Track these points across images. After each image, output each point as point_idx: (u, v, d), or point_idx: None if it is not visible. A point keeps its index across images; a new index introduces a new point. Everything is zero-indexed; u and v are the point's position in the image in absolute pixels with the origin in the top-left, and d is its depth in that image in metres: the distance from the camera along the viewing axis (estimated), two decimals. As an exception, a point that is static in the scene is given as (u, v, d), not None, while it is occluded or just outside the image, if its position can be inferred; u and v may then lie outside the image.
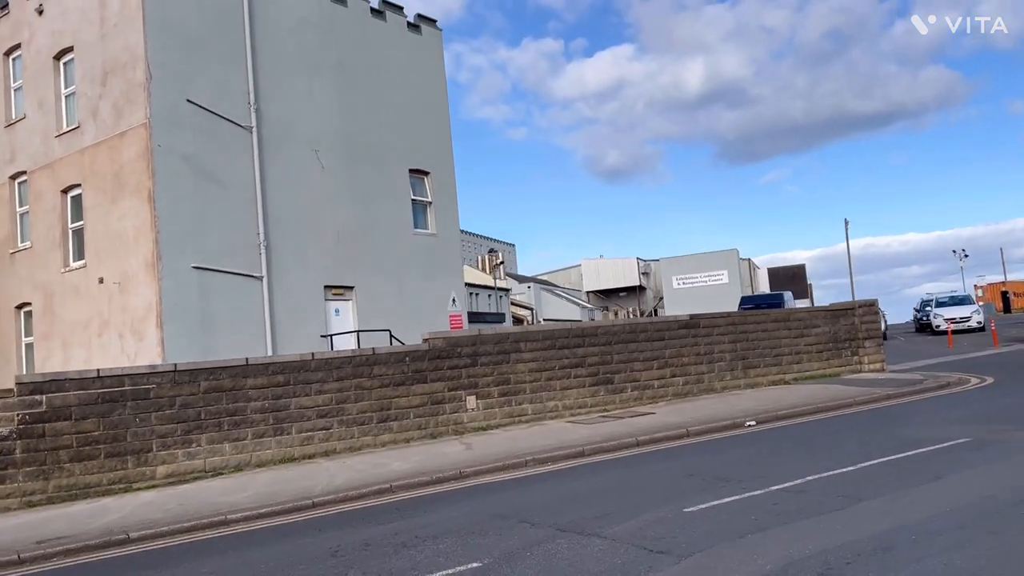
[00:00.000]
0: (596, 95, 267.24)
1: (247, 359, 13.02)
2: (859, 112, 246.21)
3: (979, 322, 33.39)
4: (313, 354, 13.63)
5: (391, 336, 20.91)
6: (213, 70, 19.52)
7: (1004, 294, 72.89)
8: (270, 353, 19.22)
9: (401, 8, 25.29)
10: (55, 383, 11.51)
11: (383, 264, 23.14)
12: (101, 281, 19.12)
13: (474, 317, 38.55)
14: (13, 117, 21.97)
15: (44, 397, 11.35)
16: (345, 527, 8.45)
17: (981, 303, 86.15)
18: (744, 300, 36.79)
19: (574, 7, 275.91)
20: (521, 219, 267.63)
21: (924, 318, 37.33)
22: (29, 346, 21.33)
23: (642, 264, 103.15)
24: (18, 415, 11.20)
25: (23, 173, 21.54)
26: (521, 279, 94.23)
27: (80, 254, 20.01)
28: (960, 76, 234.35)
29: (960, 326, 33.59)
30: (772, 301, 36.02)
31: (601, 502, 8.33)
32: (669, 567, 5.88)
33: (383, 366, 14.05)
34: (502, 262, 63.74)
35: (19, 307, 21.59)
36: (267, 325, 19.78)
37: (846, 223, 74.26)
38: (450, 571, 6.32)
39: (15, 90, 22.13)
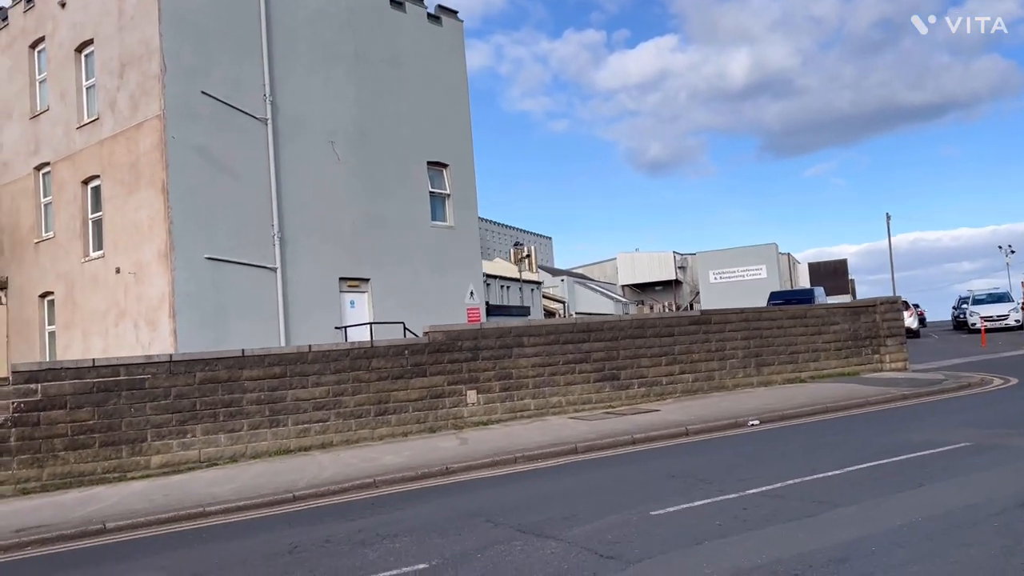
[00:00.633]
0: (638, 86, 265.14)
1: (243, 350, 13.04)
2: (909, 103, 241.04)
3: (1017, 320, 32.34)
4: (310, 346, 13.60)
5: (405, 328, 20.85)
6: (228, 62, 19.60)
7: (1053, 291, 70.57)
8: (283, 344, 19.32)
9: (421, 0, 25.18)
10: (51, 372, 11.63)
11: (399, 256, 23.10)
12: (118, 271, 19.35)
13: (498, 310, 38.54)
14: (38, 109, 22.33)
15: (39, 386, 11.48)
16: (315, 523, 8.37)
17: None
18: (773, 296, 36.12)
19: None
20: (560, 212, 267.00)
21: (961, 315, 36.29)
22: (52, 334, 21.72)
23: (679, 258, 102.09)
24: (13, 403, 11.34)
25: (47, 164, 21.89)
26: (555, 272, 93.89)
27: (99, 244, 20.29)
28: (1015, 65, 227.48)
29: (997, 324, 32.56)
30: (802, 297, 35.34)
31: (572, 503, 8.14)
32: (613, 574, 5.67)
33: (382, 359, 13.98)
34: (528, 255, 63.49)
35: (43, 296, 21.98)
36: (281, 316, 19.86)
37: (887, 217, 72.45)
38: (395, 572, 6.19)
39: (40, 82, 22.49)
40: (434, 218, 24.82)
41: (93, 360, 12.04)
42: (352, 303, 22.26)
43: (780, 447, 10.92)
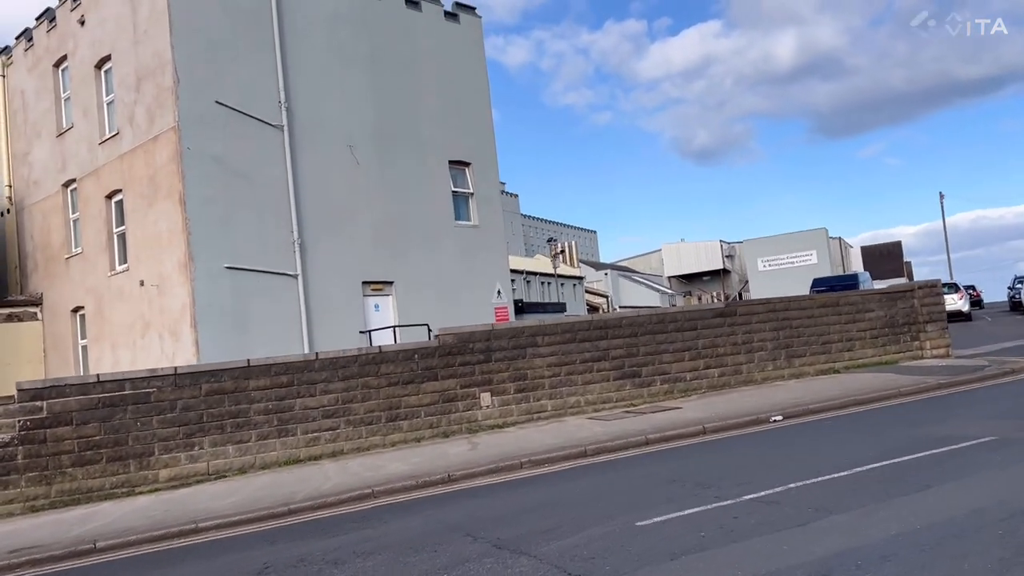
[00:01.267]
0: (682, 74, 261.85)
1: (248, 360, 12.93)
2: (965, 78, 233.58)
3: (1075, 299, 30.81)
4: (317, 354, 13.45)
5: (429, 331, 20.62)
6: (241, 71, 19.60)
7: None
8: (307, 350, 19.26)
9: (438, -2, 24.94)
10: (55, 389, 11.65)
11: (423, 258, 22.91)
12: (142, 284, 19.51)
13: (533, 307, 38.13)
14: (64, 127, 22.68)
15: (44, 403, 11.51)
16: (297, 539, 8.15)
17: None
18: (816, 283, 35.10)
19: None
20: (605, 205, 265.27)
21: (1016, 296, 34.78)
22: (84, 348, 22.04)
23: (726, 247, 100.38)
24: (19, 421, 11.38)
25: (73, 181, 22.22)
26: (599, 266, 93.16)
27: (124, 258, 20.50)
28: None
29: (1052, 304, 31.14)
30: (847, 283, 34.28)
31: (560, 513, 7.78)
32: (574, 595, 5.32)
33: (391, 364, 13.75)
34: (563, 251, 62.94)
35: (75, 310, 22.33)
36: (303, 323, 19.82)
37: (941, 197, 69.95)
38: (354, 594, 5.91)
39: (65, 100, 22.84)
40: (458, 218, 24.58)
41: (98, 375, 12.03)
42: (376, 306, 22.14)
43: (795, 446, 10.38)
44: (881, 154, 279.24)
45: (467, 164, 24.99)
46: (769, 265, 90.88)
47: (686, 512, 7.13)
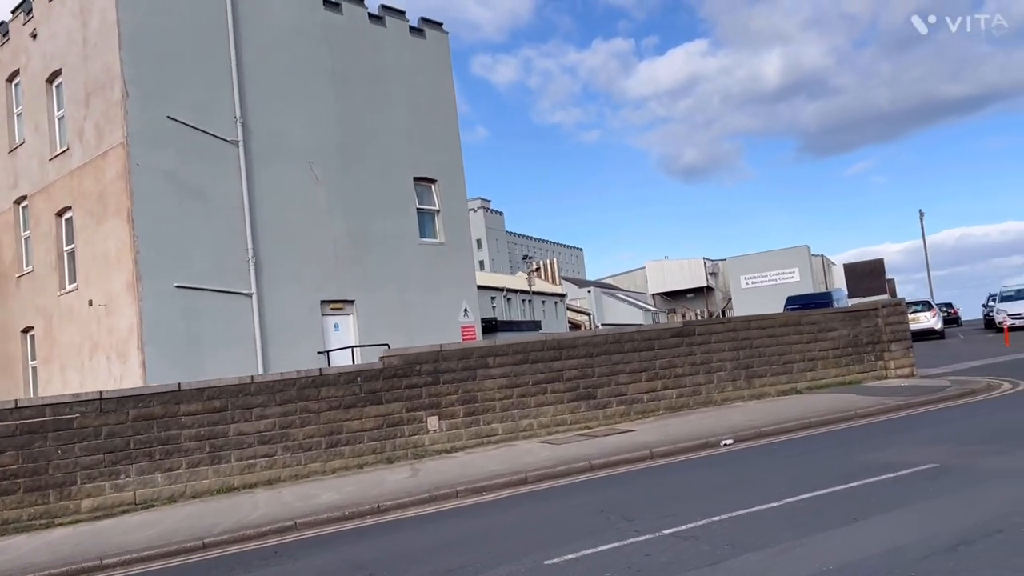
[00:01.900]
0: (670, 93, 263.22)
1: (179, 384, 12.44)
2: (949, 97, 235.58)
3: (1048, 316, 30.55)
4: (252, 377, 12.95)
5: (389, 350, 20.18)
6: (196, 86, 19.20)
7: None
8: (262, 371, 18.79)
9: (403, 12, 24.66)
10: (-29, 415, 11.13)
11: (386, 276, 22.50)
12: (90, 304, 19.00)
13: (507, 326, 37.71)
14: (16, 142, 22.20)
15: (-41, 430, 10.98)
16: (197, 577, 7.67)
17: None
18: (789, 300, 34.87)
19: (644, 5, 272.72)
20: (593, 223, 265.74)
21: (990, 313, 34.59)
22: (35, 369, 21.46)
23: (709, 264, 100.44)
24: (-69, 449, 10.85)
25: (25, 197, 21.73)
26: (582, 283, 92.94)
27: (73, 277, 19.99)
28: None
29: (1026, 322, 30.90)
30: (820, 301, 34.05)
31: (474, 549, 7.34)
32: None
33: (332, 388, 13.28)
34: (537, 268, 62.62)
35: (25, 331, 21.77)
36: (258, 343, 19.33)
37: (921, 215, 70.16)
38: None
39: (17, 115, 22.37)
40: (423, 235, 24.20)
41: (15, 401, 11.51)
42: (336, 326, 21.67)
43: (736, 473, 9.96)
44: (868, 172, 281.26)
45: (433, 181, 24.63)
46: (752, 282, 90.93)
47: (600, 548, 6.70)
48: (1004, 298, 33.73)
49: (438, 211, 24.63)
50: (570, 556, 6.58)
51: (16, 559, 9.41)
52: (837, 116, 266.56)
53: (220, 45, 19.82)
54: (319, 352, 20.59)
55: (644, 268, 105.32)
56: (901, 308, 18.67)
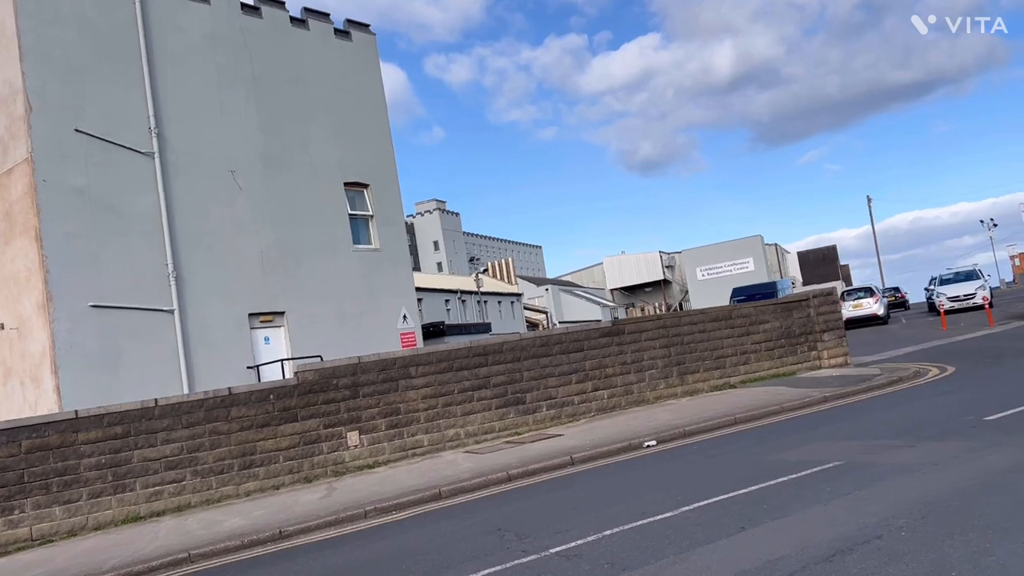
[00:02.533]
0: (624, 87, 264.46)
1: (76, 412, 11.85)
2: (897, 83, 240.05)
3: (986, 298, 30.90)
4: (156, 400, 12.39)
5: (321, 361, 19.65)
6: (105, 97, 18.46)
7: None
8: (186, 390, 18.15)
9: (327, 15, 24.09)
10: None
11: (318, 285, 21.91)
12: (2, 327, 18.21)
13: (454, 329, 37.29)
14: (-77, 162, 21.21)
15: None
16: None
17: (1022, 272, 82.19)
18: (735, 292, 34.99)
19: (595, 0, 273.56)
20: (553, 219, 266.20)
21: (930, 297, 34.96)
22: (-49, 398, 20.53)
23: (665, 257, 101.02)
24: None
25: (-67, 219, 20.77)
26: (540, 281, 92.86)
27: (-15, 300, 19.13)
28: (1000, 38, 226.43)
29: (964, 304, 31.19)
30: (765, 291, 34.20)
31: (354, 578, 6.95)
32: None
33: (243, 407, 12.77)
34: (485, 270, 62.32)
35: (-61, 358, 20.81)
36: (182, 361, 18.65)
37: (869, 201, 71.05)
38: None
39: (-77, 135, 21.37)
40: (357, 241, 23.64)
41: None
42: (267, 339, 21.05)
43: (647, 478, 9.67)
44: (820, 160, 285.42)
45: (365, 185, 24.11)
46: (708, 274, 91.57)
47: (481, 574, 6.34)
48: (943, 281, 34.10)
49: (372, 216, 24.10)
50: (446, 584, 6.22)
51: None
52: (789, 105, 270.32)
53: (131, 54, 19.10)
54: (248, 367, 19.97)
55: (602, 264, 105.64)
56: (833, 298, 18.62)
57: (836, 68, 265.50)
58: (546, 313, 72.10)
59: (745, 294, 33.42)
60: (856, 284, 40.80)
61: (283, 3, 22.82)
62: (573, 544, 6.73)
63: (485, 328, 41.93)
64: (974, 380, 13.63)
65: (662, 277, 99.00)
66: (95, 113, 18.21)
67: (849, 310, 32.92)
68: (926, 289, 36.58)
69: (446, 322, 43.04)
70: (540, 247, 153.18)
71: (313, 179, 22.52)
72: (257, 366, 20.16)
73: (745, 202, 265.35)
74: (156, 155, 19.02)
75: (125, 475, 11.86)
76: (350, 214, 23.44)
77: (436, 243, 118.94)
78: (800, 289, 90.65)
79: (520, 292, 69.66)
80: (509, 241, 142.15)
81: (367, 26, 25.53)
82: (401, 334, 24.18)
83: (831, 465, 8.18)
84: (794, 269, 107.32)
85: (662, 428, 13.04)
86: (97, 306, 17.49)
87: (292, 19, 23.10)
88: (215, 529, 10.46)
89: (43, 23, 17.77)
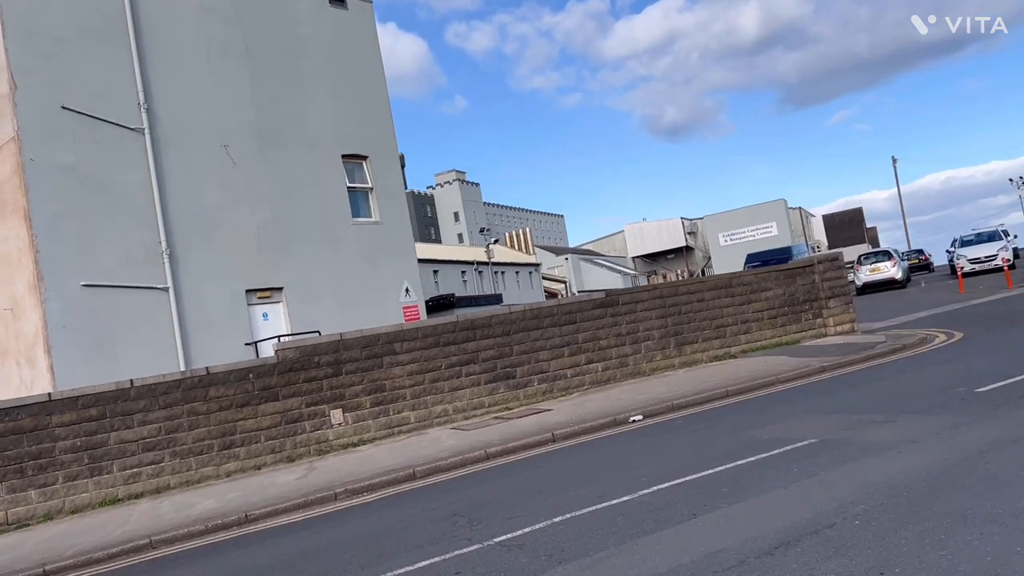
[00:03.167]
0: (648, 51, 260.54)
1: (49, 394, 11.69)
2: (927, 40, 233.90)
3: (1008, 259, 29.92)
4: (131, 381, 12.20)
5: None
6: (92, 72, 18.17)
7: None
8: (183, 368, 18.04)
9: (321, -17, 23.58)
10: None
11: (317, 260, 21.64)
12: (-2, 308, 18.16)
13: (464, 301, 36.97)
14: (-82, 144, 21.15)
15: None
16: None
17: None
18: (749, 258, 34.32)
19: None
20: (577, 187, 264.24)
21: (952, 259, 34.01)
22: (-45, 379, 20.63)
23: (687, 223, 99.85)
24: None
25: (-70, 201, 20.74)
26: (559, 251, 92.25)
27: (-19, 282, 19.10)
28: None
29: (985, 266, 30.22)
30: (779, 256, 33.46)
31: (297, 571, 6.67)
32: None
33: (221, 387, 12.55)
34: (496, 240, 61.82)
35: (-58, 340, 20.89)
36: (177, 339, 18.50)
37: (894, 161, 69.39)
38: None
39: (-83, 116, 21.28)
40: (356, 215, 23.31)
41: None
42: (265, 315, 20.86)
43: (619, 456, 9.26)
44: (850, 120, 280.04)
45: (364, 157, 23.71)
46: (731, 239, 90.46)
47: (418, 566, 6.03)
48: (964, 243, 33.08)
49: (371, 189, 23.74)
50: (380, 576, 5.91)
51: None
52: (817, 65, 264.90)
53: (118, 28, 18.77)
54: (247, 344, 19.81)
55: (623, 232, 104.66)
56: (839, 263, 17.98)
57: (865, 25, 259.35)
58: (565, 282, 71.59)
59: (759, 260, 32.73)
60: (884, 246, 39.91)
61: (274, -28, 22.32)
62: (520, 532, 6.38)
63: (496, 299, 41.58)
64: (979, 347, 13.03)
65: (684, 244, 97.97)
66: (82, 89, 17.93)
67: (866, 274, 32.11)
68: (947, 251, 35.61)
69: (461, 294, 42.75)
70: (562, 216, 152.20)
71: (310, 152, 22.15)
72: (255, 342, 19.98)
73: (772, 165, 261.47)
74: (146, 131, 18.74)
75: (102, 457, 11.71)
76: (349, 187, 23.09)
77: (456, 214, 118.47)
78: (825, 253, 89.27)
79: (538, 262, 69.15)
80: (530, 211, 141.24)
81: (363, -7, 24.96)
82: (404, 308, 23.90)
83: (805, 443, 7.74)
84: (819, 233, 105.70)
85: (652, 402, 12.63)
86: (90, 285, 17.32)
87: (284, -12, 22.60)
88: (185, 513, 10.26)
89: (25, -1, 17.46)
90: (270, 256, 20.72)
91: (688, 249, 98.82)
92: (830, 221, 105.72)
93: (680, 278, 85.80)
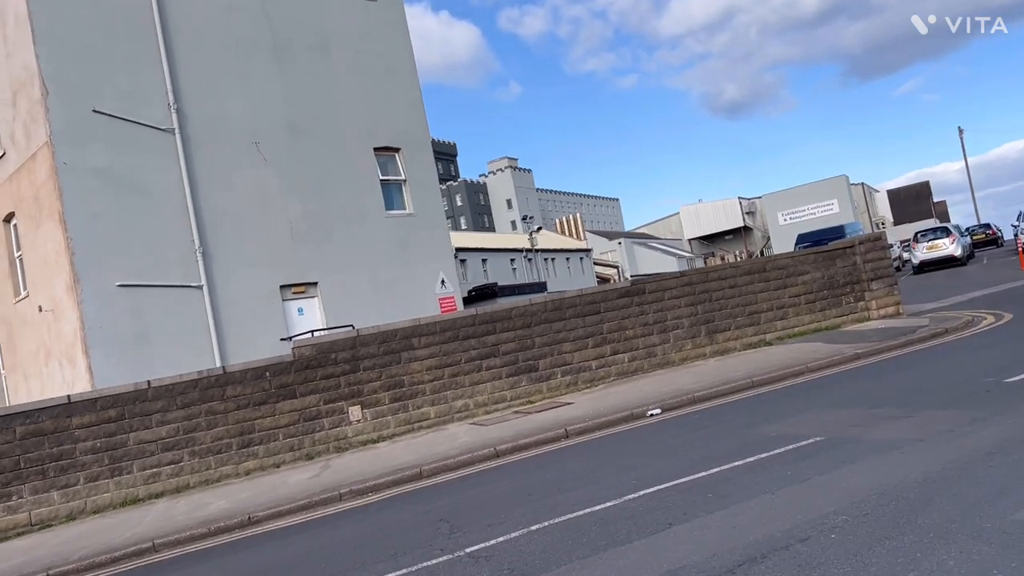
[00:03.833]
0: (705, 28, 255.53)
1: (69, 396, 11.84)
2: (997, 3, 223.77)
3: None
4: (149, 382, 12.29)
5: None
6: (122, 75, 18.41)
7: None
8: (219, 365, 18.23)
9: (348, -24, 23.47)
10: None
11: (351, 253, 21.64)
12: (40, 309, 18.61)
13: (506, 291, 36.72)
14: (-35, 152, 21.81)
15: None
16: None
17: None
18: (800, 238, 33.14)
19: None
20: (634, 170, 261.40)
21: (1018, 234, 32.32)
22: (4, 377, 21.31)
23: (745, 203, 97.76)
24: None
25: (-23, 207, 21.38)
26: (612, 235, 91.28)
27: (24, 284, 19.63)
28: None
29: (1056, 241, 28.65)
30: (832, 236, 32.26)
31: (269, 578, 6.55)
32: None
33: (238, 385, 12.56)
34: (539, 228, 61.24)
35: (-7, 341, 21.59)
36: (213, 336, 18.71)
37: (960, 132, 66.58)
38: None
39: (-37, 124, 21.93)
40: (390, 207, 23.23)
41: None
42: (300, 310, 20.96)
43: (623, 455, 8.89)
44: (918, 91, 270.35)
45: (396, 150, 23.60)
46: (790, 218, 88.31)
47: (384, 577, 5.83)
48: (1030, 217, 31.42)
49: (404, 181, 23.61)
50: (343, 589, 5.72)
51: None
52: (882, 35, 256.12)
53: (146, 30, 18.96)
54: (282, 339, 19.92)
55: (679, 213, 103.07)
56: (881, 243, 17.16)
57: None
58: (617, 267, 70.82)
59: (811, 240, 31.59)
60: (955, 221, 38.46)
61: (301, -33, 22.29)
62: (493, 542, 6.12)
63: (540, 287, 41.18)
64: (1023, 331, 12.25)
65: (742, 224, 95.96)
66: (112, 92, 18.18)
67: (923, 252, 30.80)
68: (1012, 225, 33.91)
69: (511, 282, 42.54)
70: (617, 200, 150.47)
71: (341, 146, 22.12)
72: (291, 337, 20.03)
73: (837, 140, 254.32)
74: (176, 131, 18.92)
75: (121, 458, 11.84)
76: (382, 180, 23.00)
77: (509, 201, 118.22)
78: (890, 230, 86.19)
79: (589, 248, 68.50)
80: (584, 195, 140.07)
81: (392, -16, 24.77)
82: (440, 299, 23.76)
83: (810, 442, 7.28)
84: (884, 209, 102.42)
85: (674, 394, 12.20)
86: (125, 285, 17.60)
87: (313, -18, 22.56)
88: (196, 514, 10.28)
89: (54, 4, 17.74)
90: (304, 251, 20.78)
91: (746, 229, 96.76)
92: (895, 196, 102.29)
93: (738, 259, 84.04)
